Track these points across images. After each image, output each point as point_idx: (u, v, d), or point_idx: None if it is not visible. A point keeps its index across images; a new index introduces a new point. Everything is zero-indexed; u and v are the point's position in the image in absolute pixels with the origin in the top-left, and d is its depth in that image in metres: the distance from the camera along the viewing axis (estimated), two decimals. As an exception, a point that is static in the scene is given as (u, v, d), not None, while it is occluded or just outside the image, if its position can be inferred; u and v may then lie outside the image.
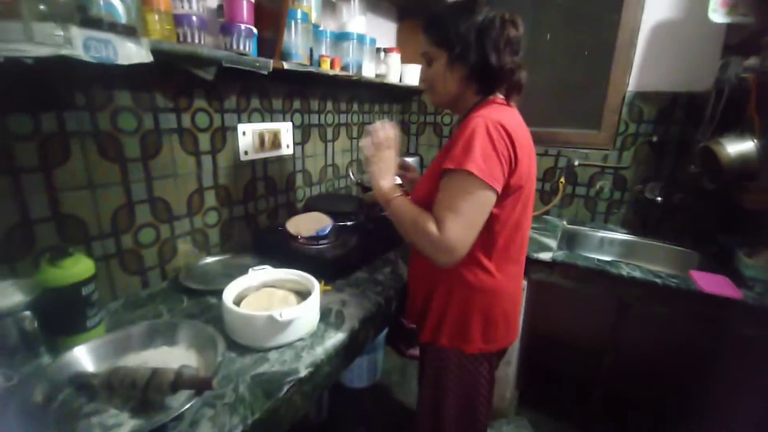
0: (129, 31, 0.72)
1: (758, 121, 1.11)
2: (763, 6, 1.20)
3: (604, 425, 1.65)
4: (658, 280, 1.21)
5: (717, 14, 1.24)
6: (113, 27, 0.70)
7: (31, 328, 0.72)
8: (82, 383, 0.65)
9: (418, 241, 0.82)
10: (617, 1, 1.59)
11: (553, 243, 1.51)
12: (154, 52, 0.75)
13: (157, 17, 0.80)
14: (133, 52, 0.71)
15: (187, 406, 0.60)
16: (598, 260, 1.35)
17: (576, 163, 1.78)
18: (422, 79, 0.94)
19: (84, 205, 0.87)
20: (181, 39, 0.88)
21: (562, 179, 1.81)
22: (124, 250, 0.96)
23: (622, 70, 1.64)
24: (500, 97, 0.87)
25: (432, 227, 0.77)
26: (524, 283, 1.43)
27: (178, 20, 0.86)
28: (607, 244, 1.73)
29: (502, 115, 0.80)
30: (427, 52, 0.88)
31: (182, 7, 0.87)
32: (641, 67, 1.61)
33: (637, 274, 1.25)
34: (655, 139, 1.61)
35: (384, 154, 0.95)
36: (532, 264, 1.40)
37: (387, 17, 1.91)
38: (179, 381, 0.61)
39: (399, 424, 1.61)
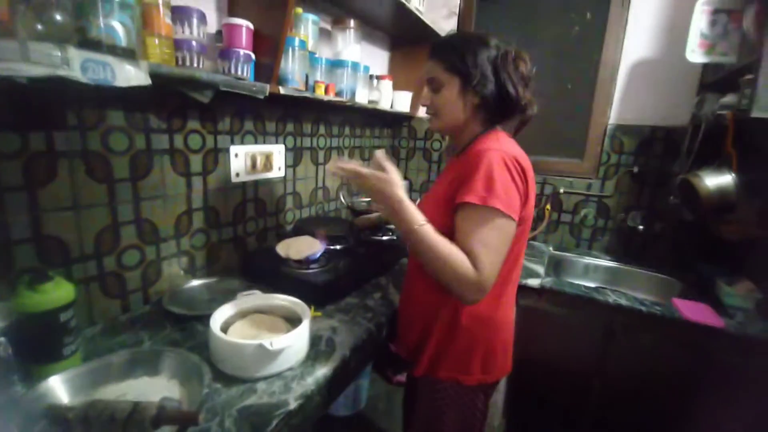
0: (128, 54, 0.72)
1: (735, 155, 1.17)
2: (742, 47, 1.28)
3: (593, 455, 1.63)
4: (642, 308, 1.23)
5: (695, 54, 1.32)
6: (112, 49, 0.70)
7: (5, 354, 0.68)
8: (56, 417, 0.61)
9: (447, 277, 0.76)
10: (598, 40, 1.69)
11: (540, 269, 1.53)
12: (153, 75, 0.75)
13: (157, 41, 0.81)
14: (131, 75, 0.71)
15: (169, 444, 0.56)
16: (585, 287, 1.37)
17: (561, 190, 1.83)
18: (426, 104, 0.91)
19: (67, 226, 0.84)
20: (180, 63, 0.88)
21: (548, 206, 1.85)
22: (106, 272, 0.93)
23: (603, 103, 1.72)
24: (500, 128, 0.90)
25: (469, 266, 0.74)
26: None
27: (178, 44, 0.87)
28: (591, 271, 1.76)
29: (515, 149, 0.82)
30: (436, 78, 0.87)
31: (182, 32, 0.88)
32: (621, 102, 1.69)
33: (622, 301, 1.28)
34: (635, 170, 1.68)
35: (381, 184, 0.85)
36: (520, 290, 1.40)
37: (380, 46, 1.97)
38: (162, 416, 0.58)
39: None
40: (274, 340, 0.74)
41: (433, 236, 0.78)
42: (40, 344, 0.70)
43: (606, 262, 1.73)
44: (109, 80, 0.69)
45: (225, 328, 0.83)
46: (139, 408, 0.59)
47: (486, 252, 0.74)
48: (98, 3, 0.70)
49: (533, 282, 1.39)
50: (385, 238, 1.49)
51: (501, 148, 0.79)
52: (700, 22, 1.26)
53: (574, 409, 1.74)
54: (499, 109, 0.86)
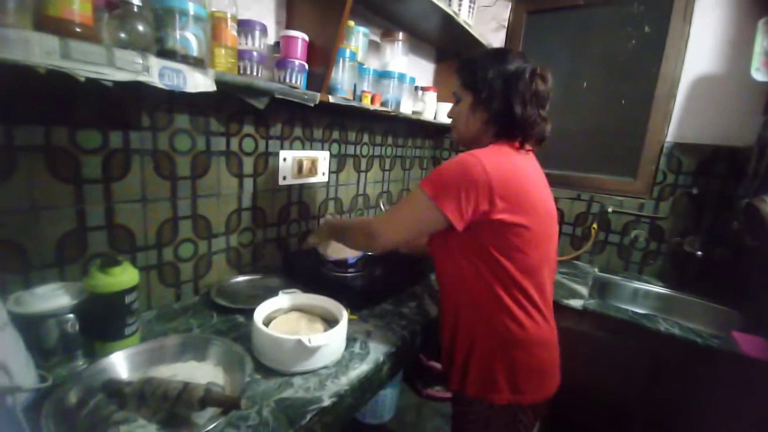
0: (198, 63, 0.79)
1: (809, 180, 1.07)
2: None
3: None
4: (698, 340, 1.15)
5: (760, 73, 1.23)
6: (185, 59, 0.77)
7: (72, 331, 0.75)
8: (114, 390, 0.66)
9: (353, 235, 0.96)
10: (656, 55, 1.61)
11: (584, 290, 1.46)
12: (218, 82, 0.81)
13: (223, 51, 0.88)
14: (200, 82, 0.78)
15: (212, 425, 0.60)
16: (634, 313, 1.29)
17: (609, 209, 1.74)
18: (449, 116, 0.99)
19: (135, 217, 0.92)
20: (241, 71, 0.95)
21: (595, 225, 1.77)
22: (164, 262, 1.00)
23: (661, 120, 1.63)
24: (509, 143, 0.88)
25: (366, 218, 0.92)
26: (552, 329, 1.38)
27: (241, 55, 0.94)
28: (641, 296, 1.65)
29: (496, 156, 0.81)
30: (456, 92, 0.94)
31: (246, 43, 0.95)
32: (681, 119, 1.60)
33: (675, 330, 1.19)
34: (695, 191, 1.57)
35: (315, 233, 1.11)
36: (561, 310, 1.35)
37: (426, 58, 2.00)
38: (208, 398, 0.62)
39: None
40: (313, 337, 0.77)
41: (341, 220, 1.10)
42: (106, 323, 0.77)
43: (658, 288, 1.62)
44: (180, 86, 0.76)
45: (267, 323, 0.87)
46: (188, 388, 0.63)
47: (393, 214, 0.90)
48: (176, 16, 0.77)
49: (575, 303, 1.33)
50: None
51: (479, 153, 0.80)
52: (763, 40, 1.18)
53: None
54: (508, 126, 0.86)
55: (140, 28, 0.74)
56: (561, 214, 1.85)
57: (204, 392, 0.63)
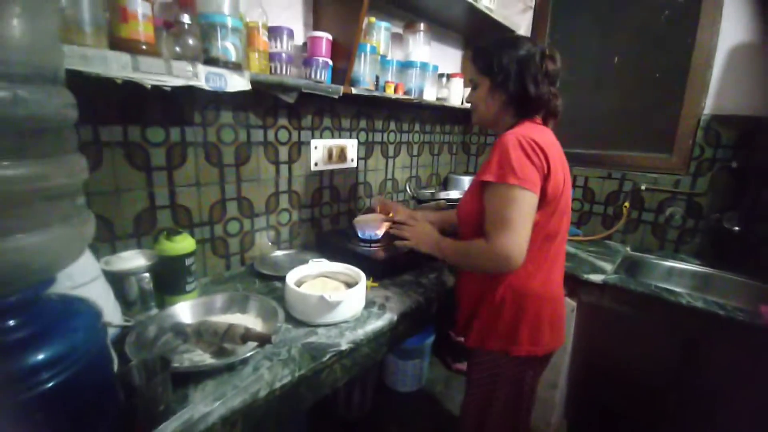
0: (237, 67, 0.95)
1: None
2: None
3: (665, 473, 1.51)
4: (721, 312, 1.13)
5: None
6: (226, 64, 0.93)
7: (148, 286, 0.96)
8: (179, 329, 0.85)
9: (477, 262, 0.93)
10: (691, 24, 1.55)
11: (608, 267, 1.47)
12: (252, 81, 0.97)
13: (257, 55, 1.03)
14: (237, 82, 0.94)
15: (249, 354, 0.76)
16: (655, 286, 1.29)
17: (643, 187, 1.71)
18: (467, 101, 1.07)
19: (192, 198, 1.12)
20: (273, 71, 1.11)
21: (626, 203, 1.74)
22: (215, 237, 1.20)
23: (698, 92, 1.56)
24: (530, 120, 0.96)
25: (480, 242, 0.89)
26: (574, 304, 1.41)
27: (272, 57, 1.09)
28: (677, 275, 1.61)
29: (534, 131, 0.89)
30: (473, 78, 1.01)
31: (276, 46, 1.10)
32: (719, 90, 1.52)
33: (698, 303, 1.18)
34: (734, 165, 1.50)
35: (414, 231, 1.13)
36: (582, 285, 1.38)
37: (453, 45, 2.05)
38: (247, 334, 0.78)
39: (440, 429, 1.65)
40: (333, 294, 0.91)
41: (452, 246, 1.00)
42: (172, 280, 0.97)
43: (694, 267, 1.58)
44: (222, 87, 0.92)
45: (298, 285, 1.02)
46: (232, 327, 0.79)
47: (505, 225, 0.84)
48: (218, 29, 0.93)
49: (596, 278, 1.36)
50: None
51: (519, 131, 0.88)
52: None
53: (647, 424, 1.63)
54: (525, 104, 0.94)
55: (190, 42, 0.91)
56: (591, 193, 1.84)
57: (244, 330, 0.79)
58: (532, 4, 1.95)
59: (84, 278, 0.74)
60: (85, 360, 0.50)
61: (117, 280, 0.91)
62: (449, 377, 1.96)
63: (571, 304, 1.40)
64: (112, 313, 0.83)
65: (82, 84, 0.60)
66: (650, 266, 1.65)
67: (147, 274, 0.95)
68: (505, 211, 0.84)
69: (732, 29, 1.46)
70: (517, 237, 0.84)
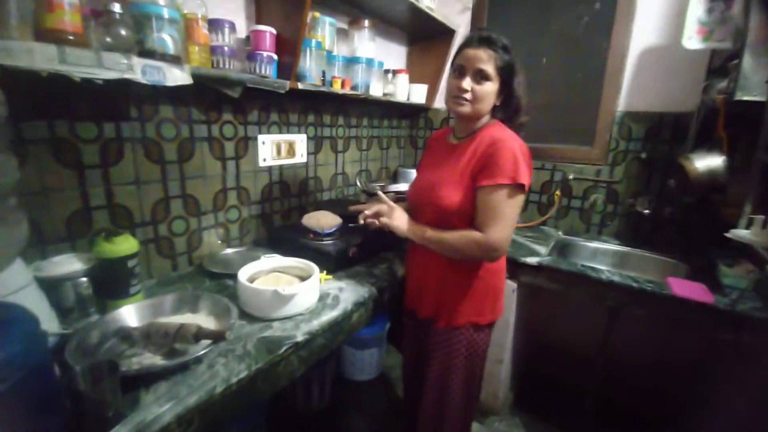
0: (175, 60, 0.92)
1: (726, 138, 1.20)
2: (736, 33, 1.31)
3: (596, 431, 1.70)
4: (634, 285, 1.30)
5: (692, 41, 1.36)
6: (164, 57, 0.90)
7: (86, 292, 0.90)
8: (125, 334, 0.82)
9: (467, 251, 0.98)
10: (607, 30, 1.73)
11: (543, 250, 1.62)
12: (194, 75, 0.94)
13: (197, 48, 1.00)
14: (178, 76, 0.91)
15: (203, 352, 0.76)
16: (581, 265, 1.45)
17: (571, 177, 1.88)
18: (467, 90, 0.98)
19: (131, 197, 1.06)
20: (215, 65, 1.08)
21: (558, 192, 1.92)
22: (160, 236, 1.15)
23: (613, 92, 1.76)
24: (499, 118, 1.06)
25: (475, 234, 0.96)
26: (514, 285, 1.54)
27: (213, 50, 1.06)
28: (600, 254, 1.81)
29: (518, 137, 0.99)
30: (485, 71, 0.96)
31: (217, 39, 1.07)
32: (630, 89, 1.72)
33: (615, 278, 1.35)
34: (644, 155, 1.71)
35: (391, 217, 1.09)
36: (520, 267, 1.51)
37: (398, 42, 2.10)
38: (200, 332, 0.78)
39: (398, 414, 1.72)
40: (287, 288, 0.92)
41: (439, 236, 1.01)
42: (114, 284, 0.92)
43: (614, 247, 1.78)
44: (161, 81, 0.89)
45: (251, 281, 1.02)
46: (184, 326, 0.79)
47: (502, 220, 0.94)
48: (153, 19, 0.90)
49: (532, 260, 1.49)
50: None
51: (512, 136, 0.98)
52: (697, 9, 1.29)
53: (581, 389, 1.82)
54: (511, 111, 1.04)
55: (122, 32, 0.87)
56: (527, 183, 2.00)
57: (197, 329, 0.78)
58: (470, 5, 2.05)
59: (14, 285, 0.70)
60: (26, 369, 0.48)
61: (51, 287, 0.85)
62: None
63: (511, 285, 1.53)
64: (47, 321, 0.78)
65: (4, 79, 0.56)
66: (579, 248, 1.84)
67: (85, 279, 0.90)
68: (505, 208, 0.94)
69: (643, 33, 1.65)
70: (509, 232, 0.96)
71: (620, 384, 1.77)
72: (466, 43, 0.99)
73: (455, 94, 1.00)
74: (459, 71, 0.99)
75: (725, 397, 1.37)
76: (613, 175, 1.80)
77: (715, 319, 1.22)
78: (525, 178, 0.93)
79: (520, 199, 0.96)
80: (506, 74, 0.98)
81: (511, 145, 0.94)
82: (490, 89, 0.98)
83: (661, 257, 1.68)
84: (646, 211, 1.69)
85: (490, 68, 0.96)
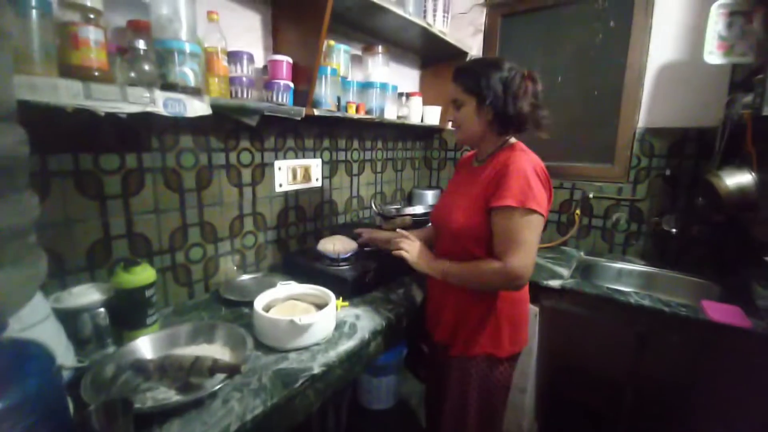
0: (196, 92, 0.94)
1: (755, 154, 1.15)
2: (759, 47, 1.28)
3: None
4: (666, 309, 1.24)
5: (713, 56, 1.33)
6: (185, 89, 0.92)
7: (103, 322, 0.90)
8: (141, 366, 0.81)
9: (489, 281, 0.95)
10: (623, 46, 1.71)
11: (565, 272, 1.56)
12: (213, 106, 0.96)
13: (216, 80, 1.03)
14: (198, 107, 0.93)
15: (219, 386, 0.74)
16: (607, 288, 1.39)
17: (591, 195, 1.84)
18: (451, 120, 1.08)
19: (150, 226, 1.07)
20: (234, 95, 1.10)
21: (578, 211, 1.87)
22: (177, 264, 1.15)
23: (632, 108, 1.72)
24: (515, 138, 1.06)
25: (493, 263, 0.92)
26: (536, 309, 1.48)
27: (232, 81, 1.09)
28: (625, 275, 1.74)
29: (536, 159, 0.98)
30: (458, 98, 1.03)
31: (236, 71, 1.10)
32: (650, 105, 1.69)
33: (645, 302, 1.28)
34: (668, 172, 1.66)
35: (412, 246, 1.10)
36: (542, 291, 1.46)
37: (411, 66, 2.13)
38: (215, 366, 0.76)
39: (416, 448, 1.65)
40: (303, 317, 0.90)
41: (459, 269, 0.99)
42: (131, 314, 0.92)
43: (640, 267, 1.71)
44: (182, 112, 0.91)
45: (266, 310, 1.00)
46: (199, 359, 0.77)
47: (521, 247, 0.91)
48: (175, 54, 0.92)
49: (554, 283, 1.43)
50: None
51: (528, 158, 0.96)
52: (717, 24, 1.27)
53: (610, 416, 1.72)
54: (510, 123, 1.01)
55: (146, 67, 0.89)
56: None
57: (212, 362, 0.76)
58: (482, 28, 2.07)
59: (33, 318, 0.69)
60: (41, 409, 0.47)
61: (69, 318, 0.85)
62: (423, 390, 1.97)
63: (534, 309, 1.47)
64: (64, 354, 0.77)
65: (29, 113, 0.57)
66: (602, 269, 1.77)
67: (102, 309, 0.90)
68: (522, 233, 0.91)
69: (660, 49, 1.63)
70: (530, 258, 0.91)
71: (651, 411, 1.67)
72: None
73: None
74: (451, 103, 1.07)
75: (763, 426, 1.27)
76: (636, 193, 1.75)
77: (754, 345, 1.14)
78: (536, 202, 0.90)
79: (538, 221, 0.92)
80: (481, 89, 0.98)
81: (523, 166, 0.93)
82: (466, 113, 1.02)
83: (691, 278, 1.60)
84: (673, 230, 1.62)
85: (459, 95, 1.01)
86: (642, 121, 1.71)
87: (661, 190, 1.69)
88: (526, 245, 0.91)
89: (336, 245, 1.32)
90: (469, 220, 0.99)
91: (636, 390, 1.57)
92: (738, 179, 1.17)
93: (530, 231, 0.91)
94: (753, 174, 1.16)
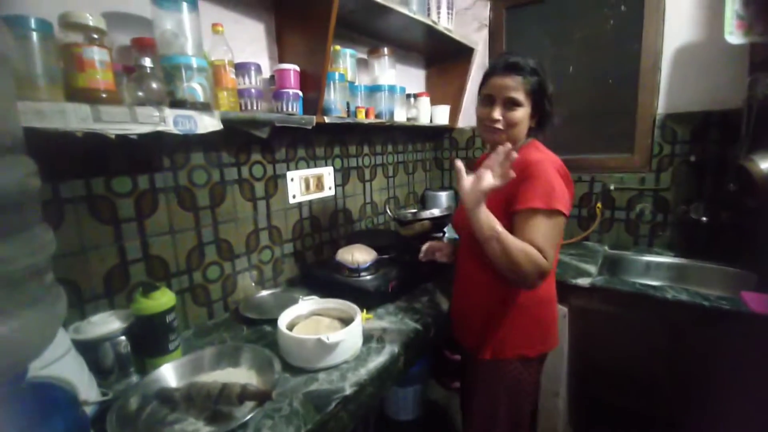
0: (205, 107, 0.91)
1: (792, 135, 1.09)
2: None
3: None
4: (706, 303, 1.18)
5: (733, 36, 1.27)
6: (194, 105, 0.89)
7: (125, 351, 0.87)
8: (166, 396, 0.77)
9: (524, 268, 0.84)
10: (636, 31, 1.65)
11: (592, 269, 1.50)
12: (224, 120, 0.93)
13: (225, 93, 0.99)
14: (208, 123, 0.90)
15: (250, 416, 0.70)
16: (640, 284, 1.33)
17: (612, 187, 1.77)
18: (497, 120, 0.95)
19: (166, 247, 1.04)
20: (243, 107, 1.07)
21: (599, 204, 1.80)
22: (195, 284, 1.12)
23: (650, 94, 1.66)
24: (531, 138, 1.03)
25: (542, 259, 0.84)
26: (565, 309, 1.43)
27: (240, 93, 1.06)
28: (654, 269, 1.67)
29: (555, 157, 0.96)
30: (515, 98, 0.93)
31: (244, 83, 1.07)
32: (669, 90, 1.63)
33: (683, 297, 1.22)
34: (693, 158, 1.59)
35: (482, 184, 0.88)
36: (571, 290, 1.40)
37: (416, 66, 2.09)
38: (245, 393, 0.72)
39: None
40: (331, 335, 0.86)
41: (510, 239, 0.86)
42: (153, 341, 0.89)
43: (669, 259, 1.64)
44: (193, 129, 0.88)
45: (290, 328, 0.97)
46: (227, 387, 0.73)
47: (549, 246, 0.86)
48: (182, 70, 0.89)
49: (583, 281, 1.38)
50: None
51: (549, 158, 0.94)
52: (733, 3, 1.21)
53: (648, 415, 1.65)
54: (542, 128, 1.02)
55: (154, 85, 0.86)
56: (565, 197, 1.90)
57: (241, 389, 0.73)
58: (487, 22, 2.03)
59: (54, 355, 0.66)
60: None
61: (89, 349, 0.82)
62: (449, 398, 1.92)
63: (562, 309, 1.41)
64: (87, 388, 0.74)
65: (37, 140, 0.54)
66: (629, 262, 1.70)
67: (123, 338, 0.87)
68: (545, 232, 0.87)
69: (675, 31, 1.57)
70: (551, 258, 0.87)
71: (692, 409, 1.59)
72: (492, 71, 0.97)
73: (488, 124, 0.97)
74: (487, 100, 0.97)
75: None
76: (660, 182, 1.68)
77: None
78: (561, 203, 0.87)
79: (561, 222, 0.90)
80: (537, 96, 0.95)
81: (546, 167, 0.90)
82: (522, 115, 0.94)
83: (725, 267, 1.53)
84: (703, 219, 1.55)
85: (519, 95, 0.93)
86: (662, 107, 1.65)
87: (687, 177, 1.63)
88: (549, 244, 0.87)
89: (355, 255, 1.28)
90: None
91: (675, 389, 1.50)
92: (775, 162, 1.11)
93: (554, 231, 0.88)
94: (791, 156, 1.10)
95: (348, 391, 0.81)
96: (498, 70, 0.95)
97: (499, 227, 0.86)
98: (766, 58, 1.29)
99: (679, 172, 1.64)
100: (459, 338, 1.14)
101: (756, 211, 1.38)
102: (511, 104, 0.94)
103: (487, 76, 0.99)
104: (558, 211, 0.87)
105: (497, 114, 0.95)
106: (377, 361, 0.92)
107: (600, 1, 1.74)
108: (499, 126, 0.95)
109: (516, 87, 0.93)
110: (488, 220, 0.87)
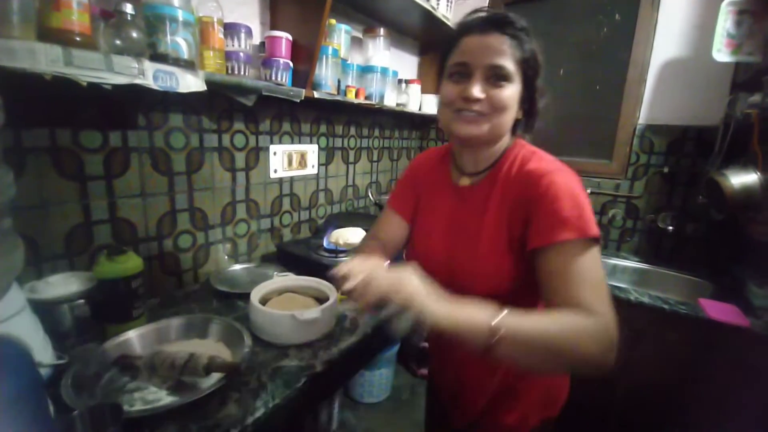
0: (189, 65, 0.85)
1: (761, 154, 1.15)
2: (766, 47, 1.27)
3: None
4: (666, 306, 1.23)
5: (721, 54, 1.31)
6: (177, 61, 0.84)
7: (83, 315, 0.83)
8: (127, 363, 0.74)
9: (585, 354, 0.53)
10: (627, 41, 1.68)
11: (563, 267, 1.54)
12: (208, 82, 0.88)
13: (212, 53, 0.94)
14: (191, 82, 0.85)
15: (216, 388, 0.68)
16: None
17: (588, 191, 1.82)
18: (476, 99, 0.63)
19: (136, 210, 0.99)
20: (230, 71, 1.02)
21: (575, 206, 1.85)
22: (165, 252, 1.07)
23: (633, 104, 1.71)
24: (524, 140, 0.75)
25: (604, 321, 0.54)
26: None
27: (228, 56, 1.00)
28: (619, 272, 1.74)
29: (563, 165, 0.68)
30: (504, 67, 0.63)
31: (232, 45, 1.01)
32: (651, 102, 1.68)
33: (645, 299, 1.28)
34: (666, 170, 1.66)
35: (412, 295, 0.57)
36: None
37: (410, 51, 2.06)
38: (212, 364, 0.70)
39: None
40: (305, 312, 0.84)
41: (533, 321, 0.54)
42: (115, 306, 0.84)
43: (635, 264, 1.71)
44: (174, 87, 0.83)
45: (263, 303, 0.94)
46: (194, 357, 0.71)
47: (603, 294, 0.57)
48: (166, 22, 0.84)
49: (554, 278, 1.42)
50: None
51: (561, 167, 0.66)
52: (725, 22, 1.25)
53: (598, 411, 1.73)
54: (532, 122, 0.74)
55: (134, 34, 0.80)
56: (543, 197, 1.94)
57: (208, 360, 0.70)
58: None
59: (7, 311, 0.62)
60: (20, 414, 0.41)
61: (45, 311, 0.77)
62: (414, 384, 1.95)
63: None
64: (41, 350, 0.70)
65: (3, 80, 0.49)
66: (597, 264, 1.77)
67: (82, 301, 0.82)
68: (597, 272, 0.58)
69: (665, 45, 1.61)
70: (611, 309, 0.56)
71: (643, 408, 1.69)
72: (466, 29, 0.65)
73: (459, 107, 0.65)
74: (459, 73, 0.65)
75: (759, 424, 1.29)
76: (633, 190, 1.75)
77: (751, 343, 1.15)
78: (595, 227, 0.59)
79: (598, 252, 0.60)
80: (532, 71, 0.66)
81: (567, 180, 0.62)
82: (511, 93, 0.64)
83: (685, 275, 1.61)
84: (669, 228, 1.63)
85: (508, 63, 0.62)
86: (643, 117, 1.70)
87: (659, 187, 1.69)
88: (604, 287, 0.58)
89: (344, 237, 1.26)
90: (500, 271, 0.67)
91: (627, 387, 1.58)
92: (743, 179, 1.17)
93: (601, 272, 0.59)
94: (758, 174, 1.16)
95: (319, 368, 0.80)
96: (477, 26, 0.64)
97: (499, 317, 0.53)
98: (748, 79, 1.34)
99: (652, 181, 1.71)
100: (446, 412, 0.89)
101: (720, 224, 1.45)
102: (497, 78, 0.63)
103: (459, 35, 0.65)
104: (595, 240, 0.59)
105: (477, 91, 0.63)
106: (349, 341, 0.91)
107: (596, 8, 1.76)
108: (479, 108, 0.64)
109: (503, 51, 0.62)
110: (469, 317, 0.54)
